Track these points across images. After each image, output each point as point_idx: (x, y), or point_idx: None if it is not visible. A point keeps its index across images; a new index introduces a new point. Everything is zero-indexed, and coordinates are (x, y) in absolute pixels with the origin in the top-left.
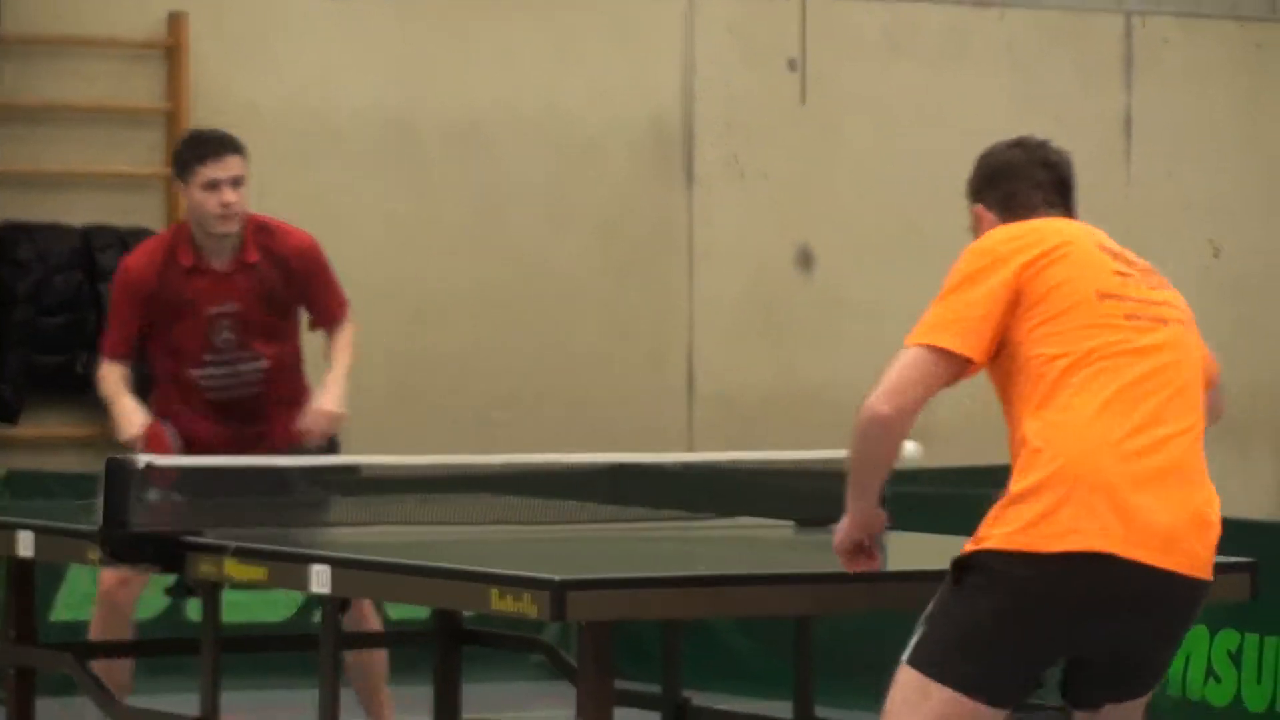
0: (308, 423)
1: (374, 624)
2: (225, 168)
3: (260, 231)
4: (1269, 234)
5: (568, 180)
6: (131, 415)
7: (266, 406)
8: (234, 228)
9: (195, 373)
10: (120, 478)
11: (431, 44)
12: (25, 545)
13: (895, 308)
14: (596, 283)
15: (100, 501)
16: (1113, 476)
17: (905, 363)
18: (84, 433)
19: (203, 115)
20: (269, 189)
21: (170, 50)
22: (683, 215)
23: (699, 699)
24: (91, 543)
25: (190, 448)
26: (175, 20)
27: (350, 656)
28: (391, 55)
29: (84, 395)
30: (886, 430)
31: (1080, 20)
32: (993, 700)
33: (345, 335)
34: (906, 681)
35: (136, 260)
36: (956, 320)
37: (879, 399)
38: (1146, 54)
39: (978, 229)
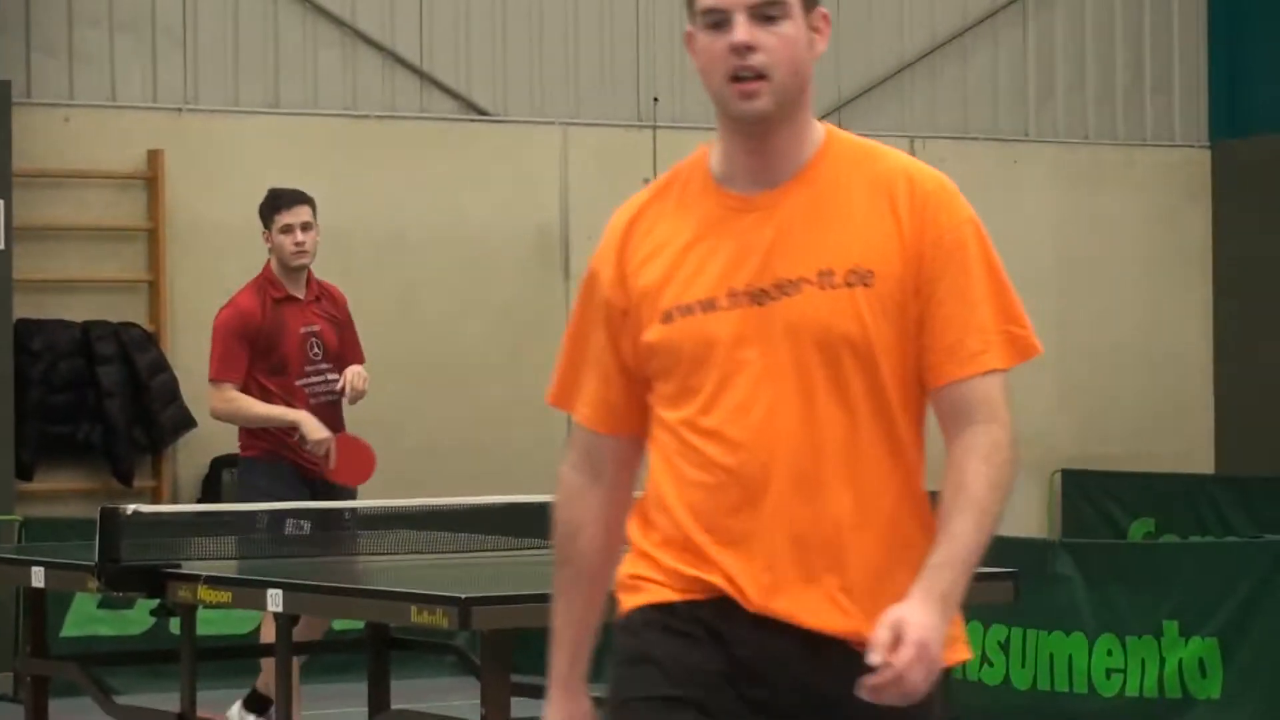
0: (348, 376)
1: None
2: (296, 215)
3: (317, 282)
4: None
5: (472, 277)
6: (315, 422)
7: (341, 419)
8: (308, 260)
9: (299, 382)
10: (112, 522)
11: (362, 173)
12: (38, 577)
13: None
14: (495, 357)
15: (97, 542)
16: None
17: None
18: (85, 487)
19: (177, 232)
20: (233, 288)
21: (150, 181)
22: (562, 303)
23: None
24: (90, 574)
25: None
26: (153, 156)
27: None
28: (330, 182)
29: (86, 457)
30: None
31: None
32: None
33: None
34: None
35: (244, 300)
36: None
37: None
38: None
39: None
